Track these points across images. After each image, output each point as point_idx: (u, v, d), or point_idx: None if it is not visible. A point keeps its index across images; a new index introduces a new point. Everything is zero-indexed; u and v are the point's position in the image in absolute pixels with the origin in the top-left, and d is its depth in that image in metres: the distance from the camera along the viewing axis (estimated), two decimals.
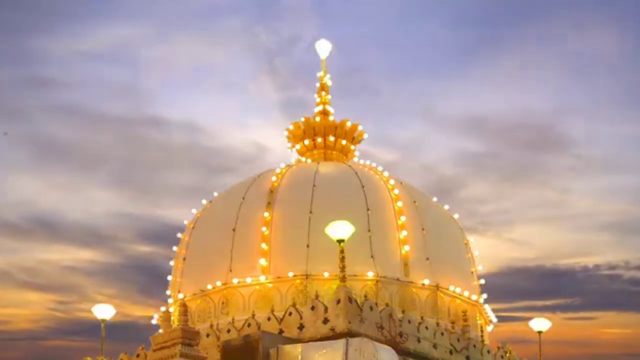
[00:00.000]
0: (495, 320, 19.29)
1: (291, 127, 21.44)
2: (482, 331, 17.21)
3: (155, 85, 39.19)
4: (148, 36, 38.55)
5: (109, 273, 38.40)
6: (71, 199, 38.25)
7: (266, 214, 17.28)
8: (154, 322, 18.36)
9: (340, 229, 13.51)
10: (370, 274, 16.43)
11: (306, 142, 21.10)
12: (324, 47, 22.21)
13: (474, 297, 18.16)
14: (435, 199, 19.85)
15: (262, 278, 16.61)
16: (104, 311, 15.41)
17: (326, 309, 13.75)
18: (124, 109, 38.36)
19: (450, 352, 15.19)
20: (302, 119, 21.29)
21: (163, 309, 17.24)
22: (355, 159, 21.18)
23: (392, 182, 18.53)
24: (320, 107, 21.58)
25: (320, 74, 22.04)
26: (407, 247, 17.18)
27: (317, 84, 21.97)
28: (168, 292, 18.72)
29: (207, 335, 14.99)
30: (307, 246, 16.55)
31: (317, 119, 21.31)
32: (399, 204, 17.78)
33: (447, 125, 39.72)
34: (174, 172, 38.73)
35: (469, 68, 40.15)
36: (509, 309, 35.86)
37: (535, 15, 40.06)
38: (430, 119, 40.24)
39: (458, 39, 40.46)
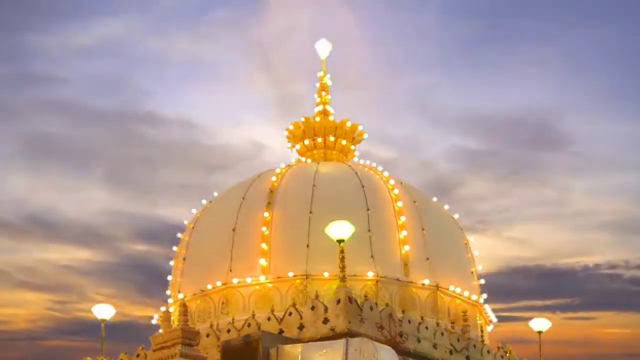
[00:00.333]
0: (495, 320, 19.30)
1: (291, 127, 21.44)
2: (482, 331, 17.22)
3: (148, 81, 38.89)
4: (140, 31, 38.19)
5: (106, 272, 38.30)
6: (66, 197, 38.07)
7: (266, 214, 17.28)
8: (154, 322, 18.36)
9: (340, 229, 13.51)
10: (370, 274, 16.43)
11: (306, 142, 21.10)
12: (324, 47, 22.18)
13: (474, 297, 18.16)
14: (435, 199, 19.85)
15: (262, 278, 16.61)
16: (104, 311, 15.43)
17: (326, 309, 13.75)
18: (118, 105, 38.04)
19: (450, 352, 15.19)
20: (302, 119, 21.29)
21: (163, 309, 17.24)
22: (355, 159, 21.18)
23: (392, 182, 18.53)
24: (320, 107, 21.57)
25: (320, 74, 22.02)
26: (407, 247, 17.18)
27: (317, 84, 21.96)
28: (168, 292, 18.73)
29: (207, 335, 14.99)
30: (307, 246, 16.56)
31: (317, 119, 21.31)
32: (399, 204, 17.78)
33: (444, 122, 39.30)
34: (170, 170, 38.50)
35: (467, 63, 39.71)
36: (509, 309, 35.78)
37: (533, 10, 39.53)
38: (426, 116, 39.70)
39: (455, 33, 39.84)
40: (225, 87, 38.90)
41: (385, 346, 12.76)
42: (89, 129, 37.37)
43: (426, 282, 17.03)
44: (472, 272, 18.70)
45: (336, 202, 17.12)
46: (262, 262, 16.76)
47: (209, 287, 17.07)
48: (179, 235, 19.21)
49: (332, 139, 21.04)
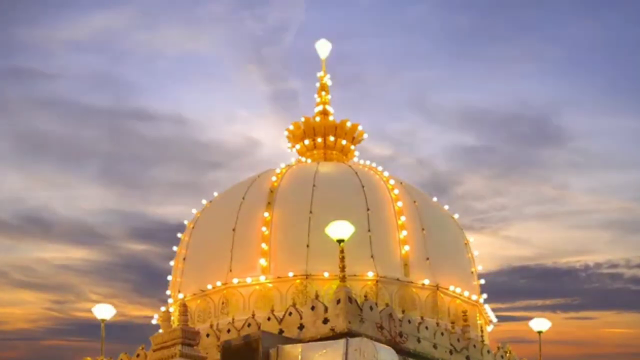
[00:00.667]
0: (495, 320, 19.29)
1: (291, 127, 21.44)
2: (482, 331, 17.22)
3: (139, 76, 38.57)
4: (130, 24, 37.69)
5: (102, 272, 38.09)
6: (60, 195, 37.76)
7: (266, 214, 17.28)
8: (154, 322, 18.36)
9: (340, 229, 13.52)
10: (370, 274, 16.44)
11: (306, 142, 21.10)
12: (323, 47, 22.17)
13: (474, 297, 18.16)
14: (435, 199, 19.85)
15: (262, 278, 16.61)
16: (104, 311, 15.42)
17: (326, 309, 13.75)
18: (109, 101, 37.68)
19: (450, 352, 15.18)
20: (302, 119, 21.28)
21: (163, 308, 17.26)
22: (355, 159, 21.18)
23: (392, 182, 18.54)
24: (320, 107, 21.57)
25: (320, 74, 22.01)
26: (407, 247, 17.18)
27: (317, 84, 21.95)
28: (168, 292, 18.72)
29: (207, 335, 15.00)
30: (307, 246, 16.56)
31: (317, 119, 21.31)
32: (399, 203, 17.79)
33: (440, 117, 38.78)
34: (163, 167, 38.17)
35: (463, 58, 38.97)
36: (509, 309, 35.67)
37: (532, 3, 39.05)
38: (422, 111, 39.30)
39: (451, 27, 39.26)
40: (218, 82, 38.52)
41: (385, 346, 12.76)
42: (80, 125, 36.99)
43: (426, 282, 17.03)
44: (472, 272, 18.70)
45: (336, 202, 17.13)
46: (262, 262, 16.76)
47: (209, 287, 17.07)
48: (179, 235, 19.22)
49: (332, 139, 21.04)
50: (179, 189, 37.98)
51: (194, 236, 18.62)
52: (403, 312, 15.49)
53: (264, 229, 17.10)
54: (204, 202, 19.42)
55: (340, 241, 13.52)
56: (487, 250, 34.44)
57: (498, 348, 16.66)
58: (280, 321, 14.34)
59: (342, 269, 13.62)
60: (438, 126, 39.32)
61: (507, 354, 16.80)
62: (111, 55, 38.21)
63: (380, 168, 19.48)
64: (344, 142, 21.15)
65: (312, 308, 13.98)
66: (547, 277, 39.93)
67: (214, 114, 38.55)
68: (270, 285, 16.52)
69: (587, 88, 38.97)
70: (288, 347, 12.76)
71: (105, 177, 37.76)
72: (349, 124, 21.16)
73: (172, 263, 19.05)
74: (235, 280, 16.73)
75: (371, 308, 13.98)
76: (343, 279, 13.70)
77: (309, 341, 13.35)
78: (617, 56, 39.18)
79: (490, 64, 38.71)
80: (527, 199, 39.37)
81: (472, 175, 39.53)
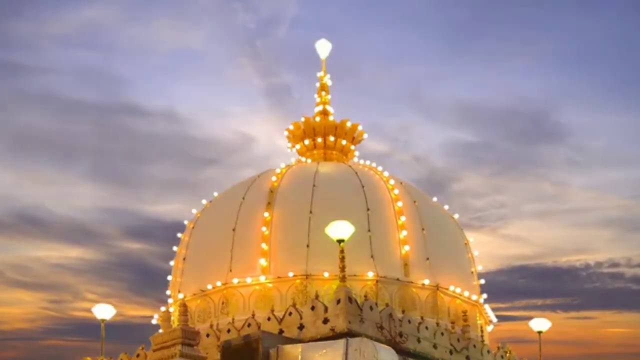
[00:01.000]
0: (495, 320, 19.30)
1: (291, 127, 21.44)
2: (482, 331, 17.22)
3: (130, 70, 37.94)
4: (120, 18, 37.14)
5: (98, 271, 37.83)
6: (52, 192, 37.34)
7: (266, 214, 17.28)
8: (153, 322, 18.36)
9: (340, 229, 13.52)
10: (370, 274, 16.44)
11: (306, 142, 21.10)
12: (323, 47, 22.16)
13: (474, 297, 18.16)
14: (435, 199, 19.85)
15: (262, 278, 16.61)
16: (104, 311, 15.43)
17: (326, 309, 13.75)
18: (100, 96, 37.11)
19: (450, 352, 15.19)
20: (302, 119, 21.28)
21: (163, 308, 17.27)
22: (355, 159, 21.17)
23: (392, 182, 18.54)
24: (320, 107, 21.56)
25: (320, 74, 22.01)
26: (407, 247, 17.18)
27: (317, 84, 21.95)
28: (168, 292, 18.72)
29: (207, 335, 15.01)
30: (307, 246, 16.56)
31: (317, 119, 21.31)
32: (399, 204, 17.79)
33: (437, 113, 38.18)
34: (156, 164, 37.70)
35: (459, 52, 38.33)
36: (509, 309, 35.55)
37: None
38: (419, 107, 38.58)
39: (447, 20, 38.58)
40: (210, 76, 37.97)
41: (385, 346, 12.76)
42: (70, 121, 36.46)
43: (426, 282, 17.03)
44: (472, 272, 18.70)
45: (336, 202, 17.13)
46: (262, 262, 16.76)
47: (209, 287, 17.07)
48: (179, 235, 19.22)
49: (332, 139, 21.04)
50: (173, 187, 37.54)
51: (194, 236, 18.62)
52: (403, 312, 15.50)
53: (264, 229, 17.10)
54: (204, 202, 19.43)
55: (340, 241, 13.53)
56: (486, 250, 34.18)
57: (498, 348, 16.66)
58: (280, 321, 14.34)
59: (342, 269, 13.63)
60: (434, 122, 38.78)
61: (507, 354, 16.80)
62: (101, 49, 37.55)
63: (380, 168, 19.48)
64: (344, 142, 21.15)
65: (312, 308, 13.99)
66: (547, 277, 39.69)
67: (207, 109, 38.14)
68: (270, 285, 16.52)
69: (586, 83, 38.40)
70: (288, 347, 12.76)
71: (98, 174, 37.30)
72: (349, 124, 21.16)
73: (172, 263, 19.05)
74: (235, 280, 16.73)
75: (371, 308, 13.99)
76: (343, 279, 13.70)
77: (309, 341, 13.36)
78: (616, 51, 38.60)
79: (487, 58, 38.21)
80: (525, 197, 38.94)
81: (470, 173, 39.04)
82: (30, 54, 35.90)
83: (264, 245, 16.90)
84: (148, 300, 36.55)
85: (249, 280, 16.65)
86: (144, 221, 37.78)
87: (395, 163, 35.66)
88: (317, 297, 14.66)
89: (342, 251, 13.55)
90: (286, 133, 21.64)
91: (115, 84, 37.38)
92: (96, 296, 36.18)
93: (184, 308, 13.17)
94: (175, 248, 19.03)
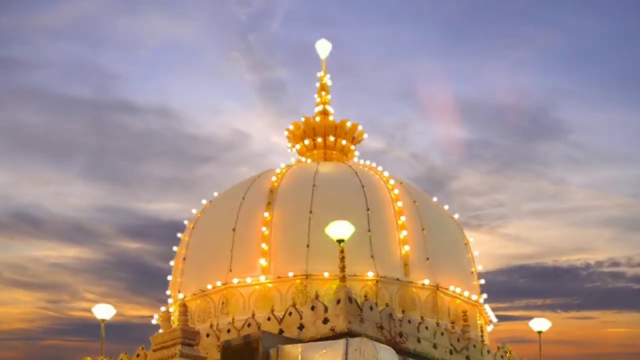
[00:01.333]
0: (495, 320, 19.30)
1: (291, 127, 21.44)
2: (482, 331, 17.22)
3: (122, 65, 37.43)
4: (111, 10, 36.67)
5: (96, 270, 37.64)
6: (48, 191, 37.08)
7: (266, 214, 17.28)
8: (153, 321, 18.36)
9: (340, 229, 13.53)
10: (370, 274, 16.44)
11: (306, 142, 21.10)
12: (323, 47, 22.15)
13: (474, 297, 18.16)
14: (435, 199, 19.85)
15: (262, 278, 16.61)
16: (104, 311, 15.43)
17: (326, 309, 13.75)
18: (91, 92, 36.72)
19: (450, 352, 15.19)
20: (302, 119, 21.28)
21: (163, 308, 17.27)
22: (355, 159, 21.17)
23: (392, 182, 18.54)
24: (320, 107, 21.56)
25: (320, 74, 22.01)
26: (407, 247, 17.18)
27: (317, 84, 21.95)
28: (168, 292, 18.72)
29: (207, 335, 15.01)
30: (307, 246, 16.56)
31: (317, 119, 21.31)
32: (399, 204, 17.79)
33: (434, 110, 37.57)
34: (151, 161, 37.33)
35: (457, 48, 37.87)
36: (509, 308, 35.44)
37: None
38: (415, 103, 38.14)
39: (444, 16, 38.10)
40: (203, 70, 37.45)
41: (385, 346, 12.76)
42: (64, 118, 36.12)
43: (426, 282, 17.03)
44: (472, 272, 18.70)
45: (336, 202, 17.13)
46: (262, 262, 16.76)
47: (209, 287, 17.07)
48: (179, 235, 19.22)
49: (332, 139, 21.05)
50: (169, 185, 37.18)
51: (194, 236, 18.62)
52: (403, 312, 15.50)
53: (264, 229, 17.10)
54: (204, 202, 19.43)
55: (340, 241, 13.53)
56: (485, 249, 33.79)
57: (498, 348, 16.66)
58: (280, 321, 14.34)
59: (342, 269, 13.63)
60: (432, 119, 38.34)
61: (507, 354, 16.80)
62: (92, 43, 37.09)
63: (380, 168, 19.48)
64: (344, 142, 21.16)
65: (312, 308, 13.99)
66: (547, 276, 39.40)
67: (200, 106, 37.68)
68: (270, 285, 16.52)
69: (586, 80, 37.94)
70: (288, 347, 12.76)
71: (92, 173, 36.98)
72: (349, 124, 21.16)
73: (171, 263, 19.05)
74: (235, 280, 16.73)
75: (371, 308, 13.99)
76: (343, 279, 13.70)
77: (309, 341, 13.36)
78: (617, 48, 38.11)
79: (485, 55, 37.79)
80: (524, 195, 38.58)
81: (468, 170, 38.62)
82: (19, 47, 35.43)
83: (264, 245, 16.90)
84: (147, 300, 36.50)
85: (249, 280, 16.65)
86: (141, 220, 37.68)
87: (393, 160, 35.39)
88: (317, 297, 14.66)
89: (342, 251, 13.55)
90: (286, 133, 21.65)
91: (106, 79, 37.01)
92: (95, 296, 36.13)
93: (184, 308, 13.17)
94: (174, 247, 19.04)
